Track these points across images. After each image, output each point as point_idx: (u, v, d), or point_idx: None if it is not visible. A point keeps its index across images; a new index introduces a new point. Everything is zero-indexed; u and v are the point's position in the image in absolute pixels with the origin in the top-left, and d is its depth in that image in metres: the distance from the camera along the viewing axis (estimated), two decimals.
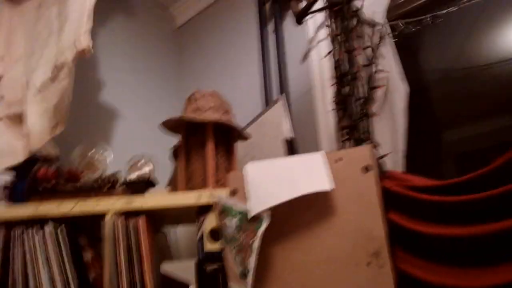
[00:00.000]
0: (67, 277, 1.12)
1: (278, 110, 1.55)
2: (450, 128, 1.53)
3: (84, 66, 1.78)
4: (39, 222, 1.18)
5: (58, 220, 1.19)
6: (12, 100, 1.62)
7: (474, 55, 1.47)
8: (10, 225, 1.19)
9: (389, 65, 1.36)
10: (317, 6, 1.63)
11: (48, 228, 1.15)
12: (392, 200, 0.99)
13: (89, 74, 1.96)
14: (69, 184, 1.34)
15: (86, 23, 1.41)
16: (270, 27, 1.92)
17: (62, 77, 1.45)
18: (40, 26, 1.68)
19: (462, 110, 1.51)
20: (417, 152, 1.45)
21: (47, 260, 1.12)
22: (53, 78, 1.48)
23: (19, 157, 1.52)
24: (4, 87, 1.64)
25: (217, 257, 1.07)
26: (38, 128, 1.49)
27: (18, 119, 1.58)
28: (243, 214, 0.98)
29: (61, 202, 1.22)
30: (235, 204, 1.03)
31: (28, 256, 1.13)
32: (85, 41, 1.38)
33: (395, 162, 1.29)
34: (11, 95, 1.63)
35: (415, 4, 1.58)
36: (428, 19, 1.33)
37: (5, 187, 1.33)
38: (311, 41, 1.72)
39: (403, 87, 1.32)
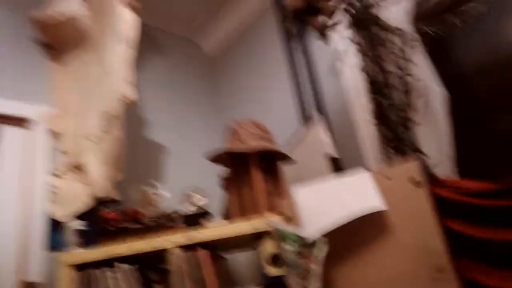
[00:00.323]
0: None
1: (318, 129, 1.59)
2: (496, 119, 1.48)
3: (128, 109, 1.92)
4: (111, 261, 1.28)
5: (129, 258, 1.29)
6: (73, 153, 1.77)
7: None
8: (85, 267, 1.30)
9: (423, 72, 1.36)
10: (336, 19, 1.67)
11: (121, 267, 1.25)
12: (448, 207, 0.99)
13: (133, 116, 2.10)
14: (135, 223, 1.45)
15: (127, 73, 1.53)
16: (296, 46, 1.97)
17: (113, 128, 1.58)
18: (86, 81, 1.84)
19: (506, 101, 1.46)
20: (465, 154, 1.43)
21: None
22: (105, 129, 1.61)
23: (85, 203, 1.66)
24: (65, 141, 1.80)
25: (280, 282, 1.11)
26: (99, 176, 1.62)
27: (80, 169, 1.73)
28: (301, 239, 1.03)
29: (129, 241, 1.31)
30: (292, 229, 1.07)
31: None
32: (130, 93, 1.50)
33: (445, 168, 1.28)
34: (71, 149, 1.78)
35: (440, 5, 1.57)
36: (456, 21, 1.32)
37: (78, 232, 1.45)
38: (339, 55, 1.75)
39: (440, 92, 1.31)
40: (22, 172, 1.69)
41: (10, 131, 1.74)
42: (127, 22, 1.54)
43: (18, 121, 1.75)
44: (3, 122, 1.71)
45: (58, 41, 1.89)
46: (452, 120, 1.29)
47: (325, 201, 1.03)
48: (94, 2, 1.75)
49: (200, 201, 1.62)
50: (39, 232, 1.60)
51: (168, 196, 1.75)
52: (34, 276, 1.51)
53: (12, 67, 1.79)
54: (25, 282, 1.48)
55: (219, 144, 2.27)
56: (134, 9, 1.62)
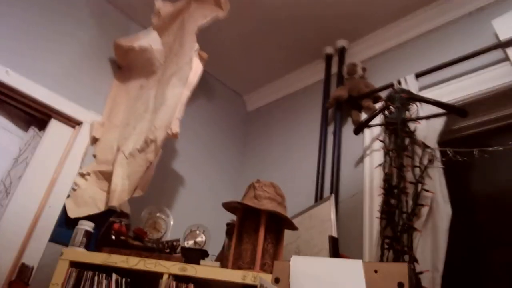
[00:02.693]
0: None
1: (327, 207, 1.69)
2: (494, 249, 1.55)
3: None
4: (107, 270, 1.37)
5: (123, 271, 1.37)
6: (103, 160, 1.93)
7: None
8: (83, 267, 1.40)
9: (435, 187, 1.47)
10: (375, 121, 1.84)
11: (115, 277, 1.33)
12: None
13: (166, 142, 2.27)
14: (136, 241, 1.55)
15: (178, 111, 1.72)
16: (331, 128, 2.14)
17: (149, 151, 1.73)
18: (138, 103, 2.04)
19: (507, 233, 1.54)
20: (458, 274, 1.49)
21: None
22: (141, 150, 1.77)
23: (99, 208, 1.78)
24: (98, 148, 1.97)
25: None
26: (120, 188, 1.75)
27: (104, 176, 1.87)
28: None
29: (128, 256, 1.41)
30: None
31: None
32: (175, 128, 1.67)
33: (433, 280, 1.34)
34: (102, 156, 1.95)
35: (465, 133, 1.72)
36: (475, 152, 1.45)
37: (85, 233, 1.56)
38: (366, 150, 1.90)
39: (447, 209, 1.42)
40: (55, 163, 1.84)
41: (58, 125, 1.93)
42: (194, 70, 1.76)
43: (67, 119, 1.94)
44: (55, 117, 1.91)
45: (127, 64, 2.14)
46: (450, 238, 1.38)
47: (316, 277, 1.11)
48: (176, 44, 2.00)
49: (200, 238, 1.72)
50: (50, 222, 1.71)
51: (171, 224, 1.86)
52: (32, 261, 1.60)
53: (82, 75, 2.03)
54: (21, 263, 1.57)
55: (235, 192, 2.40)
56: (202, 59, 1.85)
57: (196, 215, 2.11)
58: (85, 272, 1.37)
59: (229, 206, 1.53)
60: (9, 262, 1.59)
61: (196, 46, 1.89)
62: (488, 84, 1.60)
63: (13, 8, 1.85)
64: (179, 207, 2.19)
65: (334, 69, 2.29)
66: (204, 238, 1.75)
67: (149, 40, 1.99)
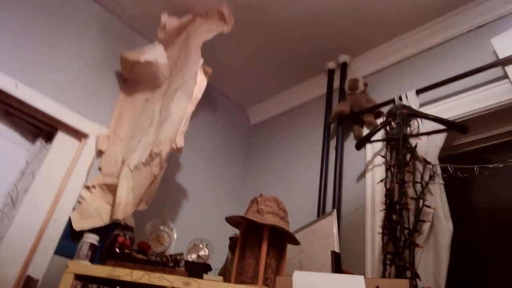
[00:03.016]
0: None
1: (329, 222, 1.71)
2: (493, 264, 1.56)
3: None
4: (112, 283, 1.39)
5: (127, 284, 1.39)
6: (108, 172, 1.96)
7: None
8: (88, 280, 1.41)
9: (436, 202, 1.49)
10: (376, 136, 1.86)
11: None
12: None
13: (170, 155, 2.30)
14: (140, 254, 1.57)
15: (183, 125, 1.75)
16: (333, 143, 2.16)
17: (154, 164, 1.76)
18: (143, 116, 2.07)
19: (507, 249, 1.55)
20: None
21: None
22: (146, 163, 1.79)
23: (103, 221, 1.80)
24: (103, 160, 2.00)
25: None
26: (124, 201, 1.77)
27: (109, 189, 1.90)
28: None
29: (132, 269, 1.42)
30: None
31: None
32: (180, 142, 1.70)
33: None
34: (107, 168, 1.97)
35: (466, 149, 1.74)
36: (475, 169, 1.47)
37: (89, 246, 1.58)
38: (368, 165, 1.92)
39: (448, 225, 1.43)
40: (61, 176, 1.87)
41: (64, 138, 1.96)
42: (199, 85, 1.79)
43: (73, 132, 1.97)
44: (61, 129, 1.94)
45: (132, 77, 2.18)
46: (451, 254, 1.39)
47: None
48: (181, 58, 2.04)
49: (203, 252, 1.73)
50: (55, 235, 1.73)
51: (175, 237, 1.88)
52: (37, 273, 1.61)
53: (89, 88, 2.07)
54: (27, 276, 1.59)
55: (238, 205, 2.42)
56: (206, 73, 1.89)
57: (199, 228, 2.13)
58: (90, 286, 1.39)
59: (232, 221, 1.54)
60: (15, 275, 1.60)
61: (201, 60, 1.93)
62: (488, 101, 1.63)
63: (22, 23, 1.89)
64: (182, 220, 2.21)
65: (336, 84, 2.32)
66: (207, 252, 1.77)
67: (155, 54, 2.03)
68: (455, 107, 1.72)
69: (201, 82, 1.88)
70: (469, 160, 1.59)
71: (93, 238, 1.57)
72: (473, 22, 1.85)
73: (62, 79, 1.97)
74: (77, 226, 1.77)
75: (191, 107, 1.80)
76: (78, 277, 1.45)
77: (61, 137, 1.94)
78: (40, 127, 1.94)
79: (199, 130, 2.51)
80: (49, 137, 1.95)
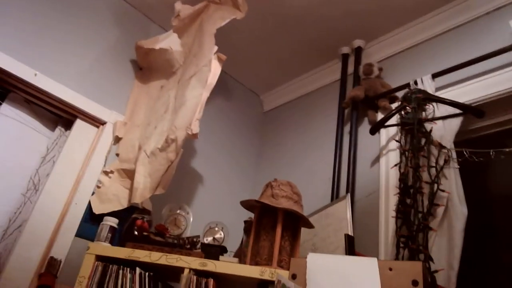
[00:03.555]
0: None
1: (343, 206, 1.72)
2: (509, 250, 1.56)
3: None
4: (131, 264, 1.44)
5: (146, 265, 1.44)
6: (125, 158, 2.00)
7: None
8: (108, 261, 1.47)
9: (451, 187, 1.49)
10: (391, 121, 1.86)
11: (139, 271, 1.40)
12: None
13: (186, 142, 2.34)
14: (158, 237, 1.61)
15: (198, 112, 1.77)
16: (347, 128, 2.16)
17: (170, 150, 1.79)
18: (159, 104, 2.10)
19: None
20: (473, 273, 1.50)
21: None
22: (162, 149, 1.83)
23: (122, 205, 1.85)
24: (121, 147, 2.05)
25: None
26: (142, 186, 1.82)
27: (127, 174, 1.95)
28: None
29: (151, 251, 1.47)
30: (294, 286, 1.19)
31: None
32: (195, 128, 1.73)
33: (448, 279, 1.36)
34: (125, 154, 2.02)
35: (482, 133, 1.72)
36: (491, 153, 1.46)
37: (109, 228, 1.63)
38: (382, 150, 1.92)
39: (462, 209, 1.43)
40: (80, 162, 1.92)
41: (83, 125, 2.01)
42: (213, 72, 1.81)
43: (91, 119, 2.02)
44: (80, 117, 1.99)
45: (147, 65, 2.21)
46: (466, 238, 1.39)
47: (331, 273, 1.15)
48: (195, 46, 2.06)
49: (219, 235, 1.77)
50: (76, 218, 1.79)
51: (191, 220, 1.93)
52: (60, 254, 1.68)
53: (105, 76, 2.11)
54: (50, 257, 1.66)
55: (252, 191, 2.45)
56: (220, 61, 1.90)
57: (215, 212, 2.17)
58: (110, 266, 1.44)
59: (247, 204, 1.57)
60: (39, 256, 1.67)
61: (215, 48, 1.94)
62: (505, 84, 1.60)
63: (39, 14, 1.93)
64: (198, 204, 2.25)
65: (351, 69, 2.31)
66: (222, 235, 1.81)
67: (169, 42, 2.05)
68: (471, 91, 1.70)
69: (215, 69, 1.90)
70: (485, 144, 1.58)
71: (112, 221, 1.62)
72: (491, 4, 1.81)
73: (79, 68, 2.01)
74: (97, 210, 1.82)
75: (205, 94, 1.82)
76: (99, 258, 1.51)
77: (79, 125, 1.99)
78: (59, 115, 1.99)
79: (213, 116, 2.53)
80: (68, 125, 2.00)
